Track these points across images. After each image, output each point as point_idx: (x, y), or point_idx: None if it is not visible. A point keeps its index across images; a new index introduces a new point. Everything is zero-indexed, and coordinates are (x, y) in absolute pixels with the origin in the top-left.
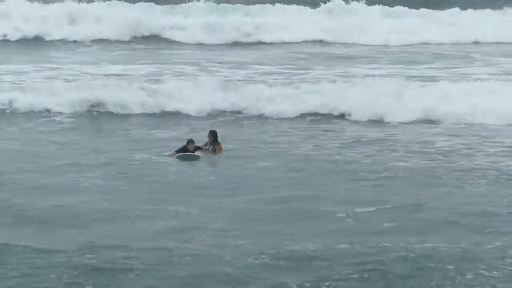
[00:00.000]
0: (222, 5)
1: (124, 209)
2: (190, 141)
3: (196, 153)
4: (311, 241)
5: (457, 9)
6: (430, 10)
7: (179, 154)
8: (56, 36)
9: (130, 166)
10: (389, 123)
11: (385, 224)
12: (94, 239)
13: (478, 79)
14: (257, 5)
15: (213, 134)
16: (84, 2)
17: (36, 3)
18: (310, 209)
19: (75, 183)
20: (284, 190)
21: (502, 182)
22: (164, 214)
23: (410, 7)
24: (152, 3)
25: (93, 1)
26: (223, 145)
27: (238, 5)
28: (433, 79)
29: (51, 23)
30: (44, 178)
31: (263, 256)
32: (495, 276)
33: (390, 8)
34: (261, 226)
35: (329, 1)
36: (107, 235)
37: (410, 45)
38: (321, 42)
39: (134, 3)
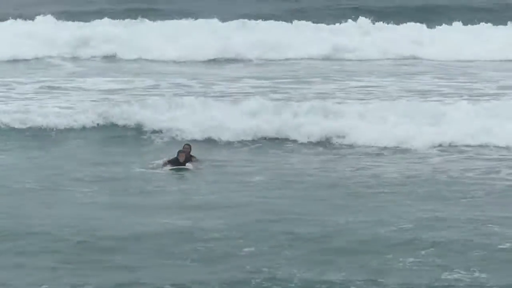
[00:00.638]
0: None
1: (127, 224)
2: (181, 152)
3: (187, 165)
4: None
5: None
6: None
7: (172, 168)
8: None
9: (127, 180)
10: None
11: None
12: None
13: None
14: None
15: (189, 147)
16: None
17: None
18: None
19: (73, 198)
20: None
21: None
22: (160, 227)
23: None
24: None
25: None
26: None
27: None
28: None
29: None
30: (42, 192)
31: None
32: None
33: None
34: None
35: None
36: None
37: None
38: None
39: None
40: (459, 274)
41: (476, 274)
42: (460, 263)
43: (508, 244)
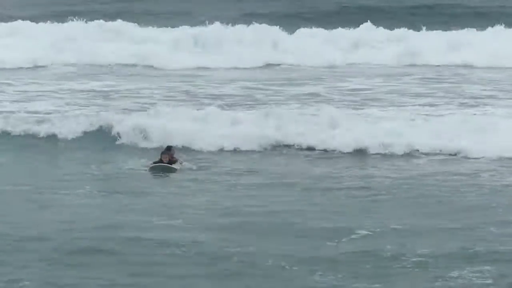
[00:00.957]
0: None
1: (117, 225)
2: (164, 153)
3: (174, 165)
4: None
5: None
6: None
7: (153, 165)
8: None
9: (117, 181)
10: None
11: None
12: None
13: None
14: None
15: (172, 150)
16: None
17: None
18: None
19: (65, 199)
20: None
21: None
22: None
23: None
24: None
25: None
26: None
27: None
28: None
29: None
30: (35, 193)
31: None
32: None
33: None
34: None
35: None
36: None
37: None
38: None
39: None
40: (457, 278)
41: (478, 275)
42: (456, 268)
43: (502, 248)
